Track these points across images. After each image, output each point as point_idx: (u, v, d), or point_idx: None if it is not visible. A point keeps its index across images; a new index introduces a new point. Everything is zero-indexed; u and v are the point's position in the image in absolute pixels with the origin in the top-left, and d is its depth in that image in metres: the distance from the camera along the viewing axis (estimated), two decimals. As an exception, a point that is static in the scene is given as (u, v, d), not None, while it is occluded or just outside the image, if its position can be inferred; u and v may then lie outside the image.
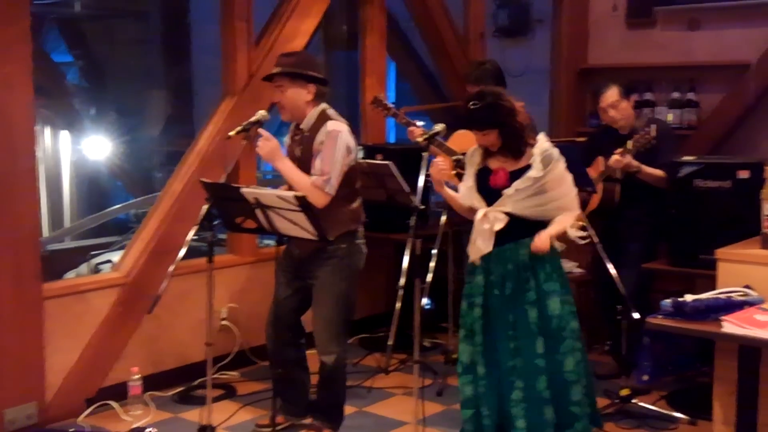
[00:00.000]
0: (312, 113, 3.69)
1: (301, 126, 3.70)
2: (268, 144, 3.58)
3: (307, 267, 3.71)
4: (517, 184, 3.26)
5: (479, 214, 3.31)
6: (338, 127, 3.64)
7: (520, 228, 3.27)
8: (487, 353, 3.34)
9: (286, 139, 3.83)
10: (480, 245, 3.31)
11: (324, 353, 3.75)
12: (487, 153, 3.38)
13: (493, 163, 3.36)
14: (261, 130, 3.61)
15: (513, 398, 3.28)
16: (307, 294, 3.77)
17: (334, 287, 3.69)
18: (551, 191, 3.27)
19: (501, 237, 3.29)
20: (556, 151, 3.31)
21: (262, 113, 3.67)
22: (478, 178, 3.38)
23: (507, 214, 3.26)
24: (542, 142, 3.32)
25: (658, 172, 4.28)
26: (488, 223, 3.27)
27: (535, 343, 3.29)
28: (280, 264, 3.80)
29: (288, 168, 3.61)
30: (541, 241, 3.22)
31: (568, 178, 3.33)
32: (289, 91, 3.63)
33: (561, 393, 3.31)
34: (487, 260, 3.34)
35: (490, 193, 3.32)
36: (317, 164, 3.58)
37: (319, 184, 3.55)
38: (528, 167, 3.27)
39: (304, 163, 3.64)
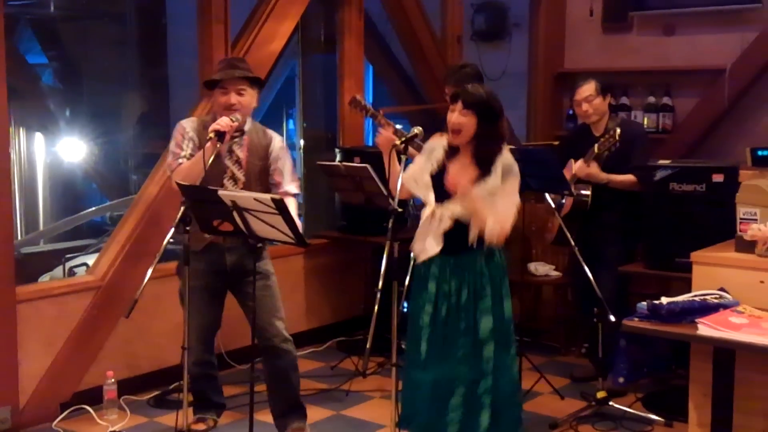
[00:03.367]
0: (249, 119, 3.85)
1: (245, 128, 3.80)
2: None
3: (243, 268, 3.74)
4: (477, 190, 3.20)
5: (427, 211, 3.27)
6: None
7: (466, 234, 3.23)
8: (429, 361, 3.31)
9: (192, 142, 3.74)
10: (429, 246, 3.26)
11: (285, 342, 3.84)
12: (449, 153, 3.32)
13: (453, 167, 3.31)
14: None
15: (451, 403, 3.26)
16: (224, 300, 3.91)
17: (273, 277, 3.87)
18: (498, 201, 3.21)
19: (452, 243, 3.25)
20: (516, 167, 3.26)
21: (237, 116, 3.68)
22: (433, 178, 3.32)
23: (457, 220, 3.23)
24: (507, 155, 3.27)
25: (629, 178, 4.29)
26: (437, 223, 3.25)
27: (483, 349, 3.27)
28: (196, 285, 3.75)
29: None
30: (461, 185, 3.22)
31: (516, 198, 3.26)
32: (248, 94, 3.74)
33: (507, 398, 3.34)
34: (441, 268, 3.30)
35: (441, 194, 3.29)
36: (284, 173, 3.83)
37: (298, 191, 3.89)
38: (489, 176, 3.22)
39: (250, 164, 3.77)
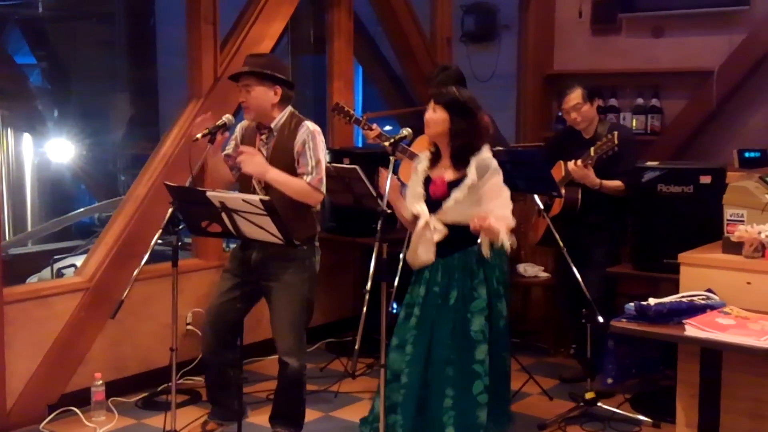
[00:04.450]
0: (281, 115, 3.70)
1: (271, 125, 3.69)
2: (253, 158, 3.56)
3: (266, 269, 3.69)
4: (456, 194, 3.28)
5: (421, 223, 3.33)
6: (316, 127, 3.70)
7: (460, 236, 3.29)
8: (413, 364, 3.32)
9: (234, 141, 3.80)
10: (422, 254, 3.33)
11: (288, 356, 3.72)
12: (433, 161, 3.40)
13: (435, 173, 3.39)
14: (243, 147, 3.62)
15: (444, 406, 3.27)
16: (254, 297, 3.78)
17: (297, 289, 3.70)
18: (488, 203, 3.26)
19: (442, 246, 3.32)
20: (494, 162, 3.31)
21: (227, 117, 3.66)
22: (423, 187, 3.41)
23: (447, 224, 3.29)
24: (482, 152, 3.32)
25: (618, 184, 4.31)
26: (430, 233, 3.31)
27: (475, 350, 3.29)
28: (226, 267, 3.80)
29: (280, 176, 3.58)
30: (481, 218, 3.16)
31: (506, 192, 3.32)
32: (255, 90, 3.63)
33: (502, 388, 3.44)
34: (432, 271, 3.35)
35: (430, 203, 3.36)
36: (308, 164, 3.61)
37: (315, 184, 3.62)
38: (466, 177, 3.29)
39: (274, 161, 3.64)
